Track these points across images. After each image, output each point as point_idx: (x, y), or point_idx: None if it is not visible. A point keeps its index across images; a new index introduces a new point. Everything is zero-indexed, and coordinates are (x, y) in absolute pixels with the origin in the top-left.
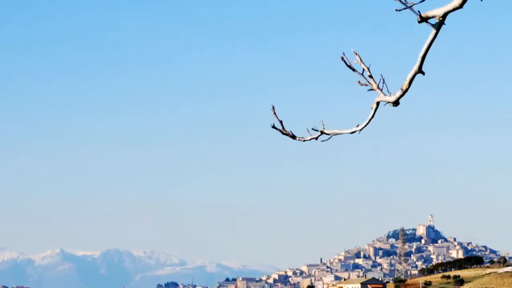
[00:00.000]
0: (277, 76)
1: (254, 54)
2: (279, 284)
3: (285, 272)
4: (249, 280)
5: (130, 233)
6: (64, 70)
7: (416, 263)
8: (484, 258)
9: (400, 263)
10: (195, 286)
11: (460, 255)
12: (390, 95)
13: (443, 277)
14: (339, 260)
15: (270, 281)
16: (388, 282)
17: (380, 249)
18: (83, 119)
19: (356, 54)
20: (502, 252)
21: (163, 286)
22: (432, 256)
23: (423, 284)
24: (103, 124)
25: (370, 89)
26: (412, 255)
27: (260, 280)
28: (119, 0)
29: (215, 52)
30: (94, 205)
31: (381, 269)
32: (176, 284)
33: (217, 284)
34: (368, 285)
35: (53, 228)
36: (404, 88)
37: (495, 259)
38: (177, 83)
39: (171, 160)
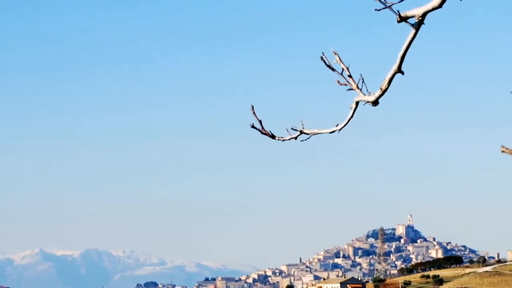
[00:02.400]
0: (262, 76)
1: (241, 54)
2: (258, 283)
3: (265, 271)
4: (228, 279)
5: (110, 233)
6: (50, 70)
7: (396, 262)
8: (463, 258)
9: (379, 262)
10: (175, 285)
11: (440, 254)
12: (369, 95)
13: (423, 276)
14: (319, 259)
15: (250, 280)
16: (367, 281)
17: (360, 248)
18: (65, 119)
19: (335, 53)
20: (482, 252)
21: (143, 285)
22: (411, 256)
23: (402, 284)
24: (85, 124)
25: (350, 89)
26: (391, 255)
27: (240, 279)
28: (104, 0)
29: (201, 52)
30: (74, 205)
31: (360, 269)
32: (155, 284)
33: (197, 284)
34: (348, 285)
35: (33, 228)
36: (383, 88)
37: (475, 259)
38: (162, 83)
39: (152, 160)
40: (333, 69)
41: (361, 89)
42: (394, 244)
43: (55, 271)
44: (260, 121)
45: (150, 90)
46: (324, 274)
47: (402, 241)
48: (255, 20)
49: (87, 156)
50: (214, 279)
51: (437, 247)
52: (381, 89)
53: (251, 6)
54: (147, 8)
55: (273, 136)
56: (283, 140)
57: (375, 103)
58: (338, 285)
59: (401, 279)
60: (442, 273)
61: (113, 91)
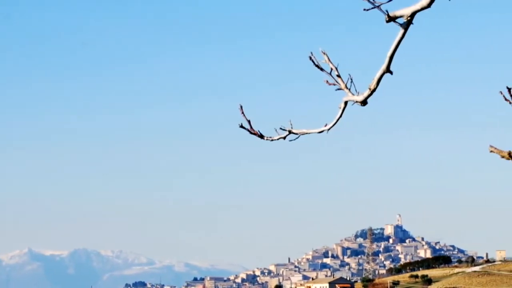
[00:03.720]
0: (251, 76)
1: (230, 54)
2: (247, 283)
3: (253, 271)
4: (217, 279)
5: (98, 233)
6: (38, 69)
7: (384, 262)
8: (452, 258)
9: (368, 262)
10: (163, 285)
11: (428, 254)
12: (358, 95)
13: (411, 276)
14: (307, 259)
15: (238, 280)
16: (356, 281)
17: (348, 248)
18: (54, 119)
19: (324, 53)
20: (470, 252)
21: (131, 285)
22: (400, 256)
23: (391, 284)
24: (74, 124)
25: (338, 89)
26: (380, 255)
27: (228, 279)
28: (92, 0)
29: (191, 53)
30: (63, 205)
31: (349, 269)
32: (144, 284)
33: (185, 284)
34: (336, 285)
35: (21, 228)
36: (372, 87)
37: (463, 259)
38: (152, 83)
39: (140, 160)
40: (321, 69)
41: (349, 89)
42: (382, 244)
43: (43, 271)
44: (249, 121)
45: (139, 89)
46: (312, 274)
47: (390, 241)
48: (245, 20)
49: (76, 156)
50: (202, 279)
51: (425, 247)
52: (369, 88)
53: (242, 6)
54: (138, 8)
55: (261, 136)
56: (272, 140)
57: (364, 102)
58: (327, 285)
59: (389, 279)
60: (431, 273)
61: (101, 91)
